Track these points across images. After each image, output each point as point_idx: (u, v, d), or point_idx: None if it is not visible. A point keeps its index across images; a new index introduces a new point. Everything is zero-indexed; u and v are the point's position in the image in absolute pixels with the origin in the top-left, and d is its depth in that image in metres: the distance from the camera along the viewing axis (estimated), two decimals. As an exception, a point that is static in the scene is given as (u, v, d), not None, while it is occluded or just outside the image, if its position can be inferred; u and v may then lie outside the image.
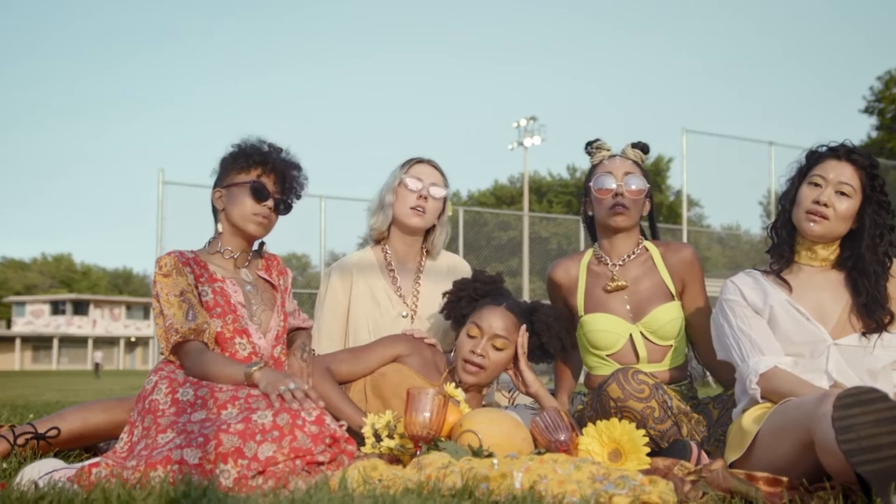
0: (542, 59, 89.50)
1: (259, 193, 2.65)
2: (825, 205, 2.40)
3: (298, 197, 2.79)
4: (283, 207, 2.74)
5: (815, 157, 2.50)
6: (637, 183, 2.90)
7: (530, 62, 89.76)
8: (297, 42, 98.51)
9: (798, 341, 2.38)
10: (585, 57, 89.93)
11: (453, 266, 3.35)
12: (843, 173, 2.43)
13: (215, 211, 2.73)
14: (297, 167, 2.75)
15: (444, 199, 3.28)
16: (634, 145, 3.03)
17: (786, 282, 2.47)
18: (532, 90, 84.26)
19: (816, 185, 2.45)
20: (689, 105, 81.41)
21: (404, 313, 3.18)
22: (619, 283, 2.90)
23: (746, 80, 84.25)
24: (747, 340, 2.41)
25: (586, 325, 2.89)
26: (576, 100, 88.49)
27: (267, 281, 2.77)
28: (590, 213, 3.05)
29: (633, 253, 2.96)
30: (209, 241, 2.74)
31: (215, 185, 2.72)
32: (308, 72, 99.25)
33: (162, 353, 2.53)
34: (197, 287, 2.58)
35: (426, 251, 3.33)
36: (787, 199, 2.53)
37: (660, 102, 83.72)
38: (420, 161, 3.28)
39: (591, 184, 2.96)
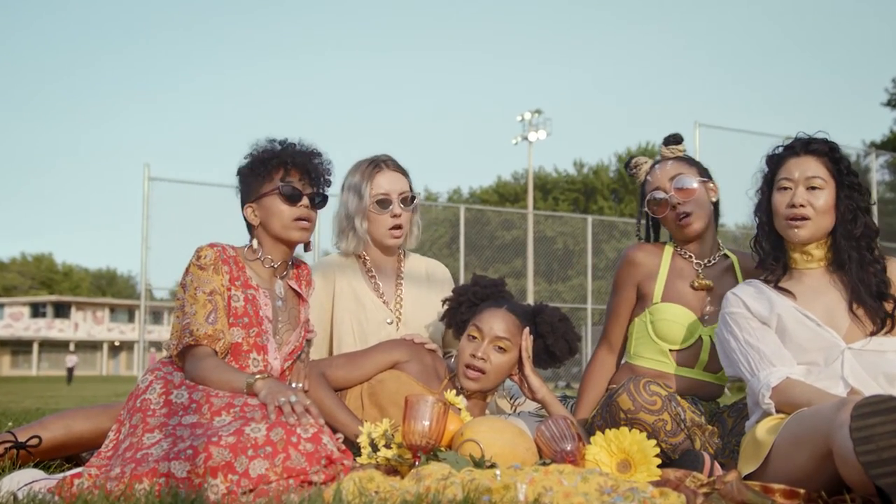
0: (547, 49, 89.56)
1: (291, 196, 2.65)
2: (801, 205, 2.42)
3: (329, 184, 2.78)
4: (319, 200, 2.74)
5: (775, 161, 2.52)
6: (686, 182, 2.90)
7: (535, 53, 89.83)
8: (290, 33, 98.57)
9: (811, 349, 2.39)
10: (593, 47, 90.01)
11: (431, 271, 3.35)
12: (807, 167, 2.45)
13: (249, 227, 2.73)
14: (317, 154, 2.74)
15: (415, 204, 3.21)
16: (667, 142, 3.02)
17: (788, 291, 2.46)
18: (537, 82, 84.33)
19: (786, 188, 2.46)
20: (702, 98, 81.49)
21: (389, 320, 3.16)
22: (707, 283, 2.90)
23: (762, 72, 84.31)
24: (755, 353, 2.41)
25: (657, 313, 2.88)
26: (582, 92, 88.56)
27: (296, 294, 2.77)
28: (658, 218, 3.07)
29: (716, 257, 2.96)
30: (248, 246, 2.72)
31: (244, 202, 2.71)
32: (301, 64, 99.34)
33: (166, 349, 2.54)
34: (229, 290, 2.57)
35: (402, 253, 3.31)
36: (762, 211, 2.54)
37: (671, 95, 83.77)
38: (378, 168, 3.15)
39: (645, 209, 2.99)
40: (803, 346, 2.39)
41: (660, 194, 2.93)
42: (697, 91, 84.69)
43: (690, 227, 2.90)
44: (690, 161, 2.99)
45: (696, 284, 2.89)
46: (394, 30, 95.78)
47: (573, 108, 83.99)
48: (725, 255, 2.99)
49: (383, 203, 3.11)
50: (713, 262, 2.95)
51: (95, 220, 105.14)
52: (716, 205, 3.00)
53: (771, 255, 2.52)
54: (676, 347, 2.85)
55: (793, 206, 2.43)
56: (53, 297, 55.36)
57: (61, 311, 55.40)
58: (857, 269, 2.42)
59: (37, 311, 55.31)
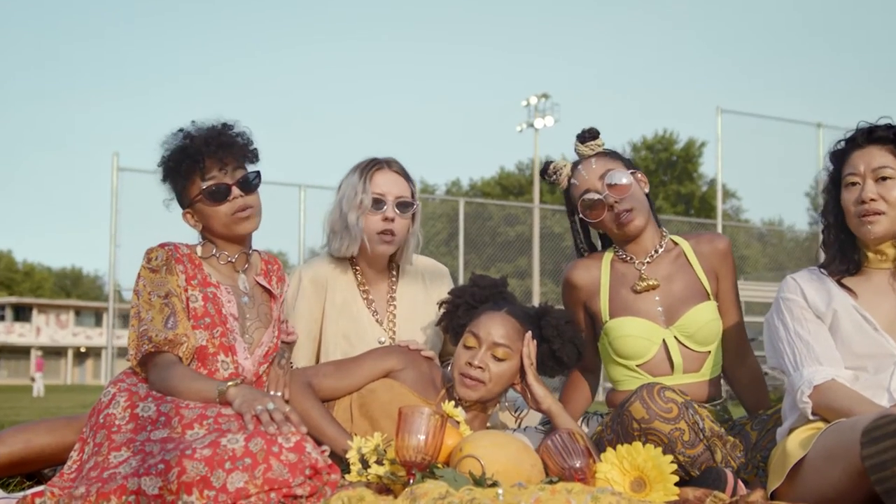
0: (555, 29, 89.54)
1: (217, 194, 2.66)
2: (872, 199, 2.41)
3: (255, 157, 2.76)
4: (252, 180, 2.72)
5: (838, 156, 2.52)
6: (617, 176, 2.91)
7: (541, 33, 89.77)
8: (275, 17, 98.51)
9: (861, 353, 2.38)
10: (605, 25, 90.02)
11: (430, 275, 3.35)
12: (873, 158, 2.44)
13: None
14: (227, 129, 2.71)
15: (414, 212, 3.21)
16: (583, 139, 3.02)
17: (850, 289, 2.46)
18: (544, 64, 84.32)
19: (853, 183, 2.46)
20: (724, 81, 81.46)
21: (382, 339, 3.17)
22: (651, 283, 2.91)
23: (790, 54, 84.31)
24: (804, 346, 2.41)
25: (612, 332, 2.90)
26: (594, 75, 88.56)
27: (265, 290, 2.78)
28: (599, 231, 3.11)
29: (660, 247, 2.99)
30: (202, 243, 2.74)
31: (183, 208, 2.73)
32: (291, 49, 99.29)
33: (128, 360, 2.54)
34: (186, 290, 2.58)
35: (396, 266, 3.30)
36: (829, 212, 2.53)
37: (691, 78, 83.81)
38: (378, 167, 3.16)
39: (580, 216, 3.00)
40: (854, 350, 2.39)
41: (593, 195, 2.93)
42: (719, 75, 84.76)
43: (633, 224, 2.92)
44: (614, 154, 3.00)
45: (639, 287, 2.92)
46: (386, 9, 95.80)
47: (583, 93, 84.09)
48: (674, 243, 3.01)
49: (377, 203, 3.10)
50: (656, 254, 2.97)
51: (59, 215, 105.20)
52: (648, 196, 3.02)
53: (839, 258, 2.50)
54: (644, 361, 2.86)
55: (863, 201, 2.42)
56: (13, 299, 55.29)
57: (22, 313, 55.35)
58: None
59: (-6, 314, 55.29)
